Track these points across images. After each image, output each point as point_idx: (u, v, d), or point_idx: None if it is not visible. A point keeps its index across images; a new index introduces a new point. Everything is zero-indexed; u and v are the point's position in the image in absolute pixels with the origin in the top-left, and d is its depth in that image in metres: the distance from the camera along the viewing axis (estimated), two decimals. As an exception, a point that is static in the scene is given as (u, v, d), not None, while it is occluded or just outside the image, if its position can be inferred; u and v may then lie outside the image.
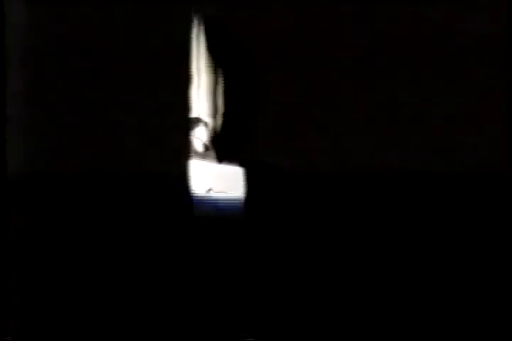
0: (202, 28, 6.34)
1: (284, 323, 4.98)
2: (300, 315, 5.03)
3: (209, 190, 6.35)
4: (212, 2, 5.83)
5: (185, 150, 5.65)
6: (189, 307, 4.90)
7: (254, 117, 8.08)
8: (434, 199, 7.29)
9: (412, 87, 7.51)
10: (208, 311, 4.92)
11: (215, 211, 7.36)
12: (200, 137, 7.82)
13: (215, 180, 7.52)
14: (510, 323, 5.10)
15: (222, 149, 7.92)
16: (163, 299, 4.84)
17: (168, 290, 4.88)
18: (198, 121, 7.80)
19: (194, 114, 7.84)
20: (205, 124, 7.77)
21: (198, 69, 5.39)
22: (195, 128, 7.82)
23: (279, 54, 7.79)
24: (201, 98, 7.51)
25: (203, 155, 7.84)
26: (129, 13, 4.73)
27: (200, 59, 5.43)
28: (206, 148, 7.88)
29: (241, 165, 7.72)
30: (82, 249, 4.68)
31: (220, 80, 6.38)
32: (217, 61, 6.29)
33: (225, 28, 6.08)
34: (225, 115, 7.97)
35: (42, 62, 4.55)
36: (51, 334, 4.59)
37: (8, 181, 4.51)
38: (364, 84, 7.71)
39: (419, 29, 7.28)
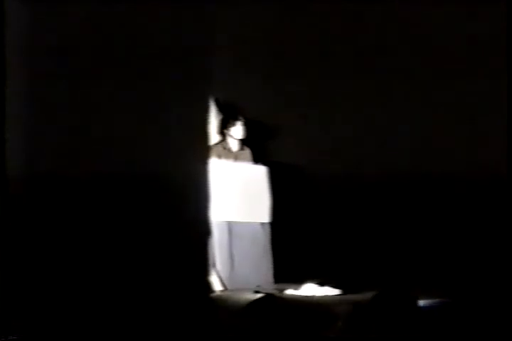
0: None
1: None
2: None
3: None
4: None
5: (202, 153, 5.60)
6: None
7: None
8: (434, 199, 7.17)
9: (412, 87, 7.42)
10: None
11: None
12: (235, 136, 7.82)
13: (241, 181, 7.51)
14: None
15: (257, 148, 7.92)
16: (163, 297, 4.85)
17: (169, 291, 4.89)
18: (234, 119, 7.79)
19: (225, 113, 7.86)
20: (242, 123, 7.76)
21: None
22: (231, 128, 7.82)
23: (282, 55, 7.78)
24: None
25: (237, 155, 7.83)
26: (128, 13, 4.72)
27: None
28: (241, 147, 7.87)
29: (267, 165, 7.71)
30: (83, 248, 4.67)
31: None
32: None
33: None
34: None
35: (42, 62, 4.55)
36: (55, 333, 4.58)
37: (8, 181, 4.52)
38: (364, 84, 7.63)
39: (419, 29, 7.17)
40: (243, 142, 7.88)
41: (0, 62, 4.48)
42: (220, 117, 7.78)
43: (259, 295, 6.15)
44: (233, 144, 7.86)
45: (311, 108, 7.95)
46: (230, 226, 7.34)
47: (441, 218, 7.12)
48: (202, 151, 5.63)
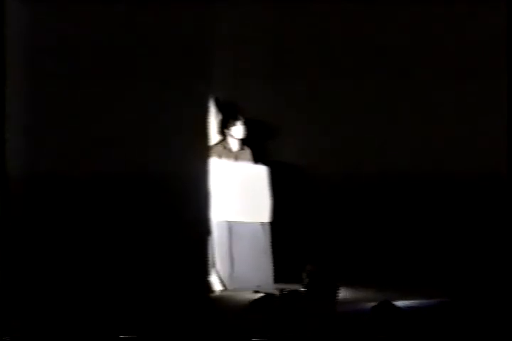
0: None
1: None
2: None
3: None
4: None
5: (202, 153, 5.60)
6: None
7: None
8: (434, 199, 7.17)
9: (412, 87, 7.43)
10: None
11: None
12: (236, 136, 7.81)
13: (241, 181, 7.51)
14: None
15: (257, 148, 7.91)
16: (161, 294, 4.86)
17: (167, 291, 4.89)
18: (234, 119, 7.79)
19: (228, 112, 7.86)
20: (242, 123, 7.75)
21: None
22: (232, 127, 7.81)
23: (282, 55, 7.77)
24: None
25: (237, 154, 7.82)
26: (128, 13, 4.73)
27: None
28: (241, 147, 7.86)
29: (267, 165, 7.70)
30: (83, 248, 4.68)
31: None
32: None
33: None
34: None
35: (42, 62, 4.56)
36: (49, 334, 4.59)
37: (8, 181, 4.52)
38: (364, 84, 7.63)
39: (419, 29, 7.17)
40: (243, 142, 7.87)
41: (0, 62, 4.49)
42: (220, 117, 7.76)
43: (259, 295, 6.14)
44: (233, 144, 7.83)
45: (311, 108, 7.94)
46: (230, 226, 7.33)
47: (441, 218, 7.12)
48: (202, 151, 5.63)
